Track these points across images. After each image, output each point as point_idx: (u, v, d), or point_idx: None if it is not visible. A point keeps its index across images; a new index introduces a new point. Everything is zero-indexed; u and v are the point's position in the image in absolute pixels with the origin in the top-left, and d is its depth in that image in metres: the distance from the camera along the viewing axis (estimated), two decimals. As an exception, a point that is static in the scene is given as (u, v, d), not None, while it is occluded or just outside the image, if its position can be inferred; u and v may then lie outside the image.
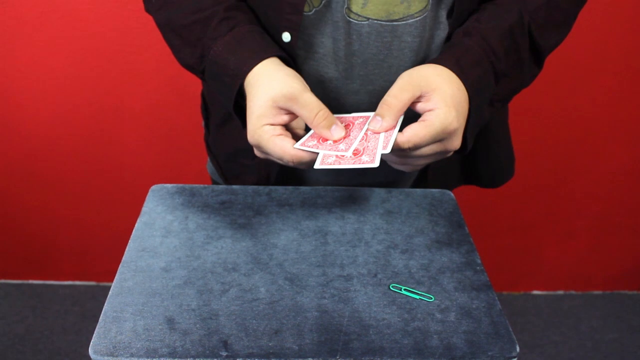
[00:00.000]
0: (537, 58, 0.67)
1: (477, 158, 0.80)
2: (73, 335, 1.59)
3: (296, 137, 0.60)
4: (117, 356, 0.47)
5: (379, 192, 0.70)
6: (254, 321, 0.51)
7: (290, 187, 0.71)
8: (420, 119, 0.57)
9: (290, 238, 0.62)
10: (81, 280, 1.77)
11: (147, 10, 0.71)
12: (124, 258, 0.58)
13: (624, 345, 1.63)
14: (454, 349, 0.49)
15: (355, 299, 0.54)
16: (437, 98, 0.56)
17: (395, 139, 0.56)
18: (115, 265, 0.58)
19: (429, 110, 0.57)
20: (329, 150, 0.57)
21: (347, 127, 0.61)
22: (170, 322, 0.51)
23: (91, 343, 0.49)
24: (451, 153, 0.60)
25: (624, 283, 1.80)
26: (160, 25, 0.69)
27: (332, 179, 0.80)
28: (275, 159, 0.59)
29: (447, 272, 0.58)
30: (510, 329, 0.51)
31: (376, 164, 0.55)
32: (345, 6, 0.63)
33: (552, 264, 1.77)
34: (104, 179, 1.58)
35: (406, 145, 0.56)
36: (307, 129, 0.61)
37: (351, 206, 0.68)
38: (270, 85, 0.58)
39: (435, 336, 0.50)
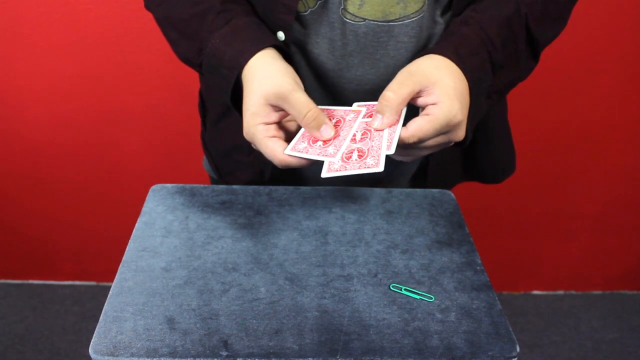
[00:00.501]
0: (534, 51, 0.67)
1: (477, 153, 0.80)
2: (73, 335, 1.59)
3: (288, 134, 0.60)
4: (117, 356, 0.47)
5: (379, 192, 0.70)
6: (254, 321, 0.51)
7: (290, 187, 0.71)
8: (424, 112, 0.57)
9: (291, 238, 0.62)
10: (81, 280, 1.77)
11: (147, 6, 0.71)
12: (124, 258, 0.58)
13: (624, 345, 1.63)
14: (454, 349, 0.49)
15: (356, 299, 0.54)
16: (439, 91, 0.56)
17: (400, 134, 0.56)
18: (115, 265, 0.58)
19: (432, 104, 0.56)
20: (318, 154, 0.57)
21: (337, 123, 0.60)
22: (170, 322, 0.51)
23: (91, 343, 0.49)
24: (453, 142, 0.60)
25: (624, 283, 1.80)
26: (160, 21, 0.70)
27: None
28: (267, 158, 0.60)
29: (447, 272, 0.58)
30: (511, 329, 0.51)
31: (381, 168, 0.54)
32: (342, 7, 0.63)
33: (552, 264, 1.77)
34: (104, 179, 1.58)
35: (410, 140, 0.56)
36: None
37: (351, 206, 0.68)
38: (263, 82, 0.58)
39: (435, 336, 0.50)
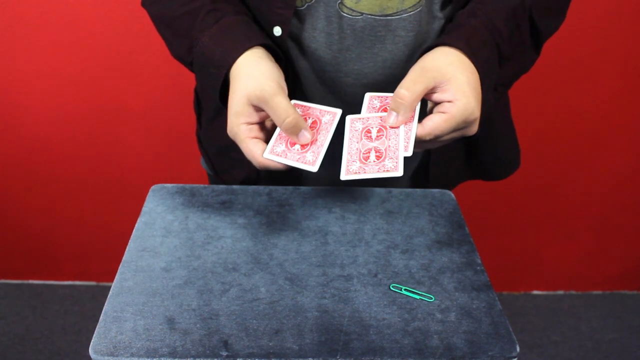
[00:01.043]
0: (536, 43, 0.67)
1: (480, 149, 0.80)
2: (73, 335, 1.59)
3: (268, 134, 0.61)
4: (117, 356, 0.47)
5: (379, 192, 0.70)
6: (254, 321, 0.51)
7: (290, 187, 0.71)
8: (439, 109, 0.57)
9: (291, 238, 0.62)
10: (81, 280, 1.77)
11: (143, 4, 0.72)
12: (124, 258, 0.58)
13: (624, 345, 1.63)
14: (454, 349, 0.49)
15: (356, 299, 0.54)
16: (454, 88, 0.56)
17: (417, 132, 0.56)
18: (115, 265, 0.58)
19: (448, 102, 0.56)
20: (297, 161, 0.58)
21: (313, 125, 0.60)
22: (170, 322, 0.51)
23: (91, 343, 0.49)
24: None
25: (624, 283, 1.80)
26: (154, 19, 0.71)
27: (324, 172, 0.80)
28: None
29: (447, 272, 0.58)
30: (511, 329, 0.51)
31: (400, 172, 0.55)
32: (339, 1, 0.63)
33: (552, 264, 1.77)
34: (104, 179, 1.58)
35: (427, 138, 0.56)
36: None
37: (351, 206, 0.68)
38: (247, 83, 0.58)
39: (435, 336, 0.50)
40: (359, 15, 0.64)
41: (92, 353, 0.48)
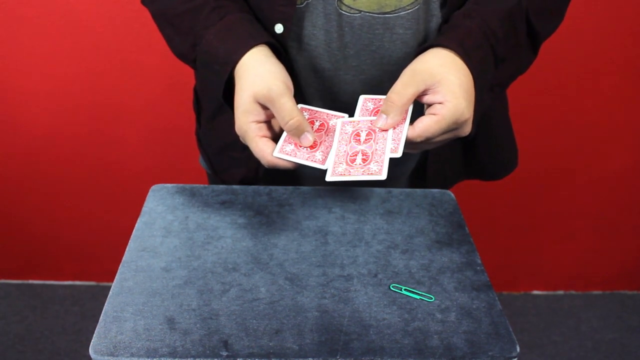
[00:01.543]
0: (534, 44, 0.67)
1: (478, 149, 0.80)
2: (73, 335, 1.59)
3: (275, 133, 0.61)
4: (117, 356, 0.47)
5: (379, 192, 0.70)
6: (254, 321, 0.51)
7: (290, 187, 0.71)
8: (430, 111, 0.57)
9: (291, 238, 0.62)
10: (81, 280, 1.77)
11: (143, 2, 0.72)
12: (124, 258, 0.58)
13: (624, 345, 1.63)
14: (454, 349, 0.49)
15: (356, 299, 0.54)
16: (444, 90, 0.56)
17: (407, 134, 0.57)
18: (115, 265, 0.58)
19: (439, 103, 0.57)
20: (307, 159, 0.59)
21: (321, 127, 0.62)
22: (170, 322, 0.51)
23: (91, 343, 0.49)
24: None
25: (624, 283, 1.80)
26: (155, 16, 0.70)
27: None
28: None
29: (447, 272, 0.58)
30: (511, 329, 0.51)
31: (383, 176, 0.55)
32: None
33: (552, 264, 1.77)
34: (104, 179, 1.58)
35: (418, 140, 0.57)
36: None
37: (351, 206, 0.68)
38: (254, 81, 0.59)
39: (435, 336, 0.50)
40: (357, 13, 0.64)
41: (92, 353, 0.48)
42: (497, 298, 0.55)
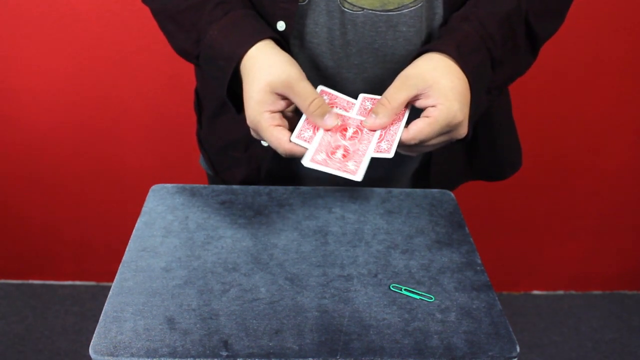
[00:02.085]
0: (533, 46, 0.67)
1: (481, 150, 0.80)
2: (73, 335, 1.59)
3: (290, 123, 0.61)
4: (117, 356, 0.47)
5: (379, 192, 0.70)
6: (255, 321, 0.51)
7: (290, 187, 0.71)
8: (424, 114, 0.58)
9: (291, 238, 0.62)
10: (81, 280, 1.77)
11: (143, 0, 0.72)
12: (124, 258, 0.58)
13: (624, 345, 1.63)
14: (454, 349, 0.49)
15: (356, 299, 0.54)
16: (436, 93, 0.57)
17: (402, 137, 0.57)
18: (115, 265, 0.58)
19: (432, 107, 0.57)
20: (326, 148, 0.58)
21: (344, 115, 0.62)
22: (170, 322, 0.51)
23: (91, 343, 0.49)
24: (455, 140, 0.61)
25: (624, 283, 1.80)
26: (156, 13, 0.70)
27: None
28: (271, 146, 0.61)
29: (447, 272, 0.58)
30: (511, 329, 0.51)
31: (358, 178, 0.56)
32: None
33: (552, 264, 1.77)
34: (104, 179, 1.58)
35: (412, 142, 0.58)
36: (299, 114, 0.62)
37: (351, 206, 0.68)
38: (269, 71, 0.59)
39: (435, 336, 0.50)
40: (359, 11, 0.64)
41: (92, 353, 0.48)
42: (497, 298, 0.55)
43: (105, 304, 0.53)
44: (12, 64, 1.40)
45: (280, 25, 0.64)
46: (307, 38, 0.67)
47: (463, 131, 0.59)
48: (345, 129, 0.60)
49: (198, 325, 0.50)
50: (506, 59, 0.64)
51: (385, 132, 0.59)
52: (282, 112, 0.61)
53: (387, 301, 0.54)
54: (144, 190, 0.71)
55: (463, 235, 0.64)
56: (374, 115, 0.59)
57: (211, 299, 0.53)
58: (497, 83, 0.66)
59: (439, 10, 0.66)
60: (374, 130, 0.59)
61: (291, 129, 0.60)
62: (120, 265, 0.57)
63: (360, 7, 0.64)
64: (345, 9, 0.64)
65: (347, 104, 0.63)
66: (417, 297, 0.54)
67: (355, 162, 0.57)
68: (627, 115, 1.51)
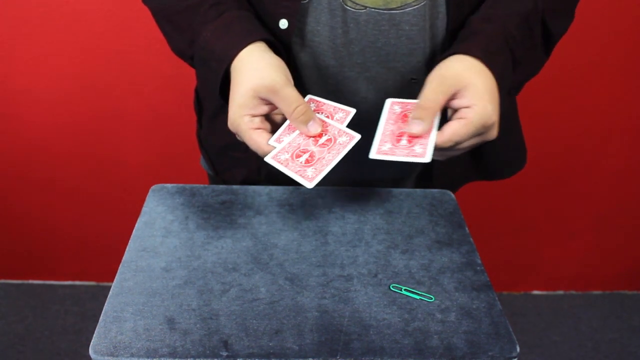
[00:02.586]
0: (547, 45, 0.68)
1: (484, 149, 0.80)
2: (73, 335, 1.59)
3: (274, 126, 0.61)
4: (117, 356, 0.47)
5: (379, 192, 0.70)
6: (255, 321, 0.51)
7: (290, 187, 0.71)
8: (458, 115, 0.57)
9: (291, 238, 0.62)
10: (81, 280, 1.77)
11: (143, 0, 0.72)
12: (124, 258, 0.58)
13: (624, 345, 1.63)
14: (454, 349, 0.49)
15: (356, 299, 0.54)
16: (471, 94, 0.56)
17: (436, 140, 0.56)
18: (115, 265, 0.58)
19: (466, 107, 0.57)
20: (293, 149, 0.58)
21: (324, 126, 0.61)
22: (170, 322, 0.51)
23: (91, 343, 0.49)
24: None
25: (624, 283, 1.80)
26: (155, 13, 0.70)
27: (328, 174, 0.80)
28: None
29: (447, 272, 0.58)
30: (511, 329, 0.51)
31: (310, 185, 0.55)
32: None
33: (552, 264, 1.77)
34: (104, 179, 1.58)
35: (447, 145, 0.56)
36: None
37: (351, 206, 0.68)
38: (253, 75, 0.58)
39: (435, 336, 0.50)
40: (362, 9, 0.64)
41: (92, 353, 0.48)
42: (497, 298, 0.55)
43: (105, 304, 0.53)
44: (12, 64, 1.40)
45: (283, 24, 0.64)
46: (309, 37, 0.66)
47: (495, 133, 0.59)
48: (320, 136, 0.59)
49: (198, 325, 0.50)
50: (525, 59, 0.64)
51: (415, 137, 0.58)
52: (268, 116, 0.61)
53: (387, 301, 0.54)
54: (144, 190, 0.71)
55: (463, 235, 0.64)
56: (417, 121, 0.57)
57: (211, 299, 0.53)
58: (516, 83, 0.67)
59: (442, 9, 0.66)
60: (421, 137, 0.57)
61: (273, 132, 0.60)
62: (120, 265, 0.57)
63: (362, 6, 0.64)
64: (348, 7, 0.64)
65: (333, 110, 0.62)
66: (417, 297, 0.54)
67: (315, 169, 0.56)
68: (627, 115, 1.50)
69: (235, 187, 0.71)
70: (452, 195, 0.71)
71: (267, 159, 0.57)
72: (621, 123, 1.52)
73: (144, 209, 0.66)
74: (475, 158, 0.82)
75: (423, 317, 0.52)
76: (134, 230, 0.63)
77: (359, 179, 0.79)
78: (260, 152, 0.59)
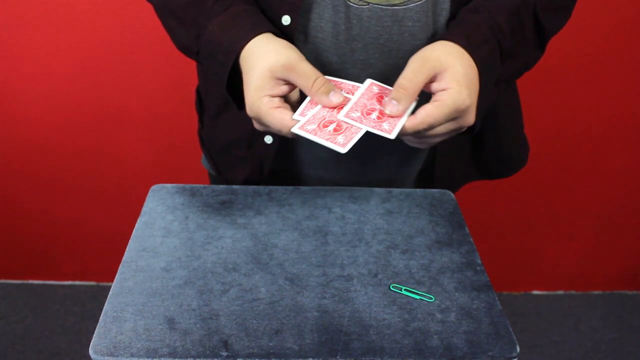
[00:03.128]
0: (541, 40, 0.67)
1: (485, 145, 0.80)
2: (73, 335, 1.59)
3: (294, 108, 0.60)
4: (117, 356, 0.47)
5: (379, 192, 0.70)
6: (255, 321, 0.51)
7: (290, 187, 0.71)
8: (433, 98, 0.57)
9: (291, 238, 0.62)
10: (81, 280, 1.77)
11: None
12: (124, 258, 0.58)
13: (624, 345, 1.63)
14: (454, 349, 0.49)
15: (356, 299, 0.54)
16: (449, 77, 0.57)
17: (408, 122, 0.56)
18: (115, 265, 0.58)
19: (442, 90, 0.57)
20: (319, 120, 0.57)
21: (348, 94, 0.61)
22: (170, 322, 0.51)
23: (91, 343, 0.49)
24: (465, 128, 0.61)
25: (624, 283, 1.80)
26: (158, 9, 0.70)
27: (329, 173, 0.79)
28: (274, 131, 0.60)
29: (447, 272, 0.58)
30: (511, 329, 0.51)
31: (345, 150, 0.55)
32: None
33: (552, 264, 1.77)
34: (104, 179, 1.58)
35: (420, 127, 0.56)
36: (303, 98, 0.61)
37: (351, 206, 0.68)
38: (267, 57, 0.58)
39: (435, 336, 0.50)
40: (365, 5, 0.64)
41: (92, 353, 0.48)
42: (497, 298, 0.55)
43: (105, 304, 0.53)
44: (12, 64, 1.40)
45: (286, 20, 0.64)
46: (312, 33, 0.66)
47: (471, 118, 0.59)
48: (342, 107, 0.59)
49: (198, 325, 0.50)
50: (515, 51, 0.64)
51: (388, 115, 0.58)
52: (286, 97, 0.60)
53: (387, 301, 0.54)
54: (144, 190, 0.71)
55: (463, 235, 0.64)
56: (394, 102, 0.57)
57: (211, 299, 0.53)
58: (505, 76, 0.66)
59: (446, 5, 0.66)
60: (395, 117, 0.57)
61: (294, 110, 0.59)
62: (120, 265, 0.57)
63: (365, 2, 0.63)
64: (351, 4, 0.64)
65: (352, 88, 0.62)
66: (417, 297, 0.54)
67: (345, 136, 0.56)
68: (628, 115, 1.50)
69: (235, 187, 0.71)
70: (452, 195, 0.71)
71: (295, 130, 0.56)
72: (621, 123, 1.52)
73: (144, 209, 0.66)
74: (477, 155, 0.81)
75: (423, 317, 0.52)
76: (134, 230, 0.63)
77: (359, 179, 0.79)
78: (284, 128, 0.58)
